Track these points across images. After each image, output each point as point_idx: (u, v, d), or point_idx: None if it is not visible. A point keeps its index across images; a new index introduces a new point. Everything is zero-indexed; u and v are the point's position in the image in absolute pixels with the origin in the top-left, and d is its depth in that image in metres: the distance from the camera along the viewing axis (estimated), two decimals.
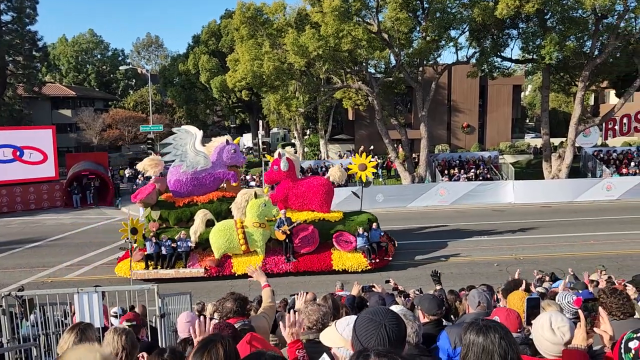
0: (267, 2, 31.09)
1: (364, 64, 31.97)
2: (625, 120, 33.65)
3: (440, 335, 3.74)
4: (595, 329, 3.34)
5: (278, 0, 30.96)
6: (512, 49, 38.45)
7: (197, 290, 14.96)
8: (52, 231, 25.59)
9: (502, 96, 44.38)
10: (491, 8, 27.86)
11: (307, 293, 10.60)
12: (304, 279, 16.79)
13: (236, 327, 3.94)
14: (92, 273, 18.48)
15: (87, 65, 65.07)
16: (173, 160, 18.86)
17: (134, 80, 69.70)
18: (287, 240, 17.43)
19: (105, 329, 5.38)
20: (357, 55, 30.01)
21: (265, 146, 31.57)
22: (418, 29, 30.12)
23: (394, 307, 4.55)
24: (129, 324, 5.51)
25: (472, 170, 33.59)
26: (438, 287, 8.80)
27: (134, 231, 16.78)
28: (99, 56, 67.58)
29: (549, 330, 2.75)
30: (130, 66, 66.87)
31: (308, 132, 50.48)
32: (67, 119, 51.64)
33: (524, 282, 4.89)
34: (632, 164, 33.23)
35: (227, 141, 18.94)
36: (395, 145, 32.98)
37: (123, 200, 32.52)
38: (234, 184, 19.05)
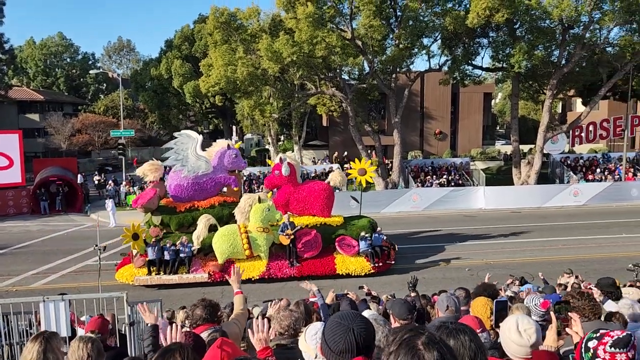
0: (241, 8, 31.15)
1: (337, 71, 32.13)
2: (591, 127, 34.61)
3: None
4: (567, 329, 3.42)
5: (252, 5, 30.93)
6: (482, 58, 39.63)
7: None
8: (18, 238, 24.88)
9: (473, 103, 45.18)
10: (462, 17, 28.40)
11: (281, 300, 10.58)
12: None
13: (206, 334, 3.90)
14: (60, 281, 18.01)
15: (56, 69, 63.74)
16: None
17: (104, 85, 68.57)
18: (290, 245, 17.45)
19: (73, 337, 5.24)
20: (331, 62, 30.15)
21: (239, 152, 31.39)
22: (391, 36, 30.45)
23: (365, 312, 4.56)
24: (93, 334, 5.37)
25: (444, 177, 34.05)
26: (413, 294, 8.86)
27: (135, 237, 16.80)
28: (68, 60, 66.31)
29: (516, 332, 2.80)
30: (101, 70, 65.73)
31: (282, 138, 50.44)
32: (34, 124, 50.44)
33: (494, 285, 4.98)
34: (598, 170, 34.19)
35: (228, 146, 18.92)
36: (368, 151, 33.19)
37: (93, 206, 31.87)
38: (235, 189, 19.08)
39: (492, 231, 23.83)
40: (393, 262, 18.56)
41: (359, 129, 32.63)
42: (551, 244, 21.47)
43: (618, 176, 33.29)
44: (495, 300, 3.90)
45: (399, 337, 2.00)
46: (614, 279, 8.14)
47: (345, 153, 39.46)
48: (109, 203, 28.03)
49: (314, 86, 33.61)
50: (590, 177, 33.48)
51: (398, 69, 32.15)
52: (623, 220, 25.47)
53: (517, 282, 11.12)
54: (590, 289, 8.47)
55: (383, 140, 35.02)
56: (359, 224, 18.89)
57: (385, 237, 18.91)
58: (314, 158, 44.79)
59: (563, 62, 30.70)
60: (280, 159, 19.14)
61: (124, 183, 34.23)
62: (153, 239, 17.25)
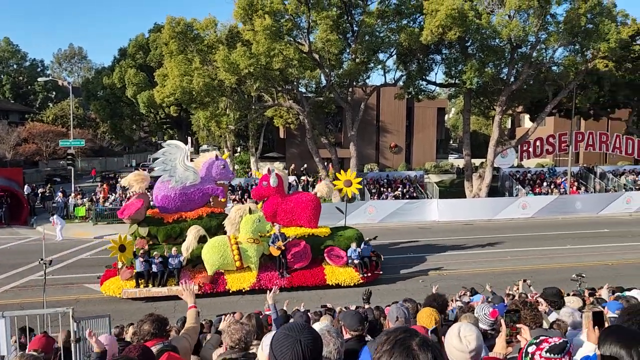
0: (197, 18, 30.76)
1: (295, 83, 32.27)
2: (538, 143, 36.01)
3: (362, 350, 3.78)
4: (518, 337, 3.54)
5: (209, 16, 30.70)
6: (436, 73, 40.36)
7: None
8: None
9: (427, 118, 46.26)
10: (417, 34, 29.15)
11: (234, 313, 10.44)
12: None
13: (155, 349, 3.80)
14: (1, 297, 17.15)
15: (2, 76, 61.21)
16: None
17: (54, 93, 66.31)
18: (280, 256, 17.43)
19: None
20: (289, 74, 30.27)
21: None
22: (348, 50, 30.90)
23: (319, 324, 4.56)
24: (36, 353, 5.14)
25: (399, 189, 34.59)
26: (366, 306, 8.95)
27: (122, 248, 16.46)
28: (15, 66, 63.82)
29: (457, 338, 2.87)
30: (50, 78, 63.55)
31: (239, 149, 50.06)
32: None
33: (444, 296, 5.09)
34: (545, 184, 35.58)
35: (216, 156, 18.75)
36: (325, 163, 33.39)
37: (39, 219, 30.60)
38: (222, 200, 18.94)
39: (446, 243, 24.35)
40: (381, 272, 18.81)
41: (315, 142, 32.81)
42: (501, 255, 22.11)
43: (563, 190, 34.75)
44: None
45: (393, 336, 2.02)
46: (559, 288, 8.46)
47: (305, 165, 39.51)
48: (56, 217, 27.04)
49: (271, 98, 33.61)
50: (537, 190, 34.79)
51: (354, 83, 32.60)
52: (568, 232, 26.55)
53: (468, 293, 11.38)
54: (537, 299, 8.78)
55: (339, 152, 35.35)
56: (346, 234, 19.11)
57: (373, 249, 19.06)
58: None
59: (512, 79, 31.92)
60: (269, 169, 19.14)
61: (72, 195, 33.06)
62: (141, 251, 16.87)
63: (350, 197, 21.88)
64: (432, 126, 46.71)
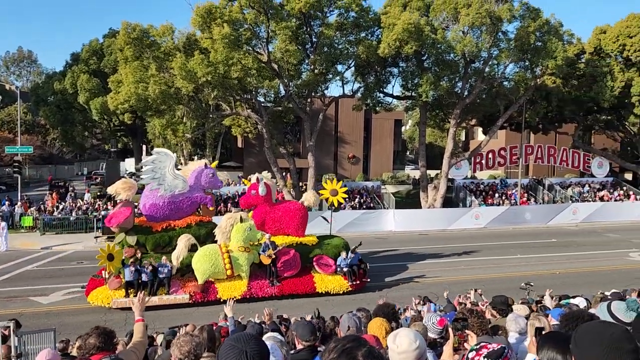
0: (154, 25, 30.25)
1: (253, 93, 32.14)
2: (490, 155, 37.10)
3: None
4: (465, 344, 3.62)
5: (166, 23, 30.25)
6: (393, 86, 41.33)
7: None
8: None
9: (384, 129, 46.99)
10: (374, 46, 29.67)
11: (186, 325, 10.22)
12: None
13: None
14: None
15: None
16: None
17: (0, 97, 63.59)
18: (271, 264, 17.48)
19: None
20: (247, 84, 30.13)
21: None
22: (307, 61, 31.06)
23: (270, 334, 4.52)
24: None
25: (357, 199, 34.87)
26: (315, 320, 8.94)
27: (110, 257, 16.22)
28: None
29: (392, 339, 2.91)
30: None
31: (195, 158, 49.34)
32: None
33: (393, 306, 5.16)
34: (497, 195, 36.67)
35: (205, 165, 18.62)
36: (283, 173, 33.32)
37: None
38: (210, 208, 18.86)
39: (402, 252, 24.68)
40: (369, 279, 19.12)
41: (274, 151, 32.72)
42: (454, 264, 22.58)
43: (514, 201, 35.89)
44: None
45: (340, 345, 2.03)
46: (507, 297, 8.72)
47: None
48: (2, 224, 25.87)
49: (229, 107, 33.34)
50: (489, 201, 35.81)
51: (313, 94, 32.78)
52: (518, 242, 27.42)
53: (421, 302, 11.56)
54: (487, 307, 9.01)
55: (298, 162, 35.36)
56: (332, 243, 19.37)
57: (360, 257, 19.25)
58: (228, 180, 44.16)
59: (466, 93, 32.89)
60: (257, 178, 19.18)
61: (19, 204, 31.72)
62: (130, 260, 16.56)
63: (336, 206, 22.20)
64: (390, 138, 47.47)
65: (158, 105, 29.46)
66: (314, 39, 30.80)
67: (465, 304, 9.95)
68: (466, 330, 4.05)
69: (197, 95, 31.07)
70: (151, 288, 16.46)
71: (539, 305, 9.34)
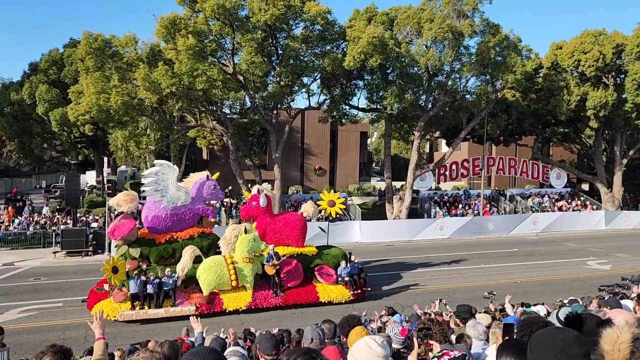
0: (116, 35, 29.78)
1: (219, 104, 31.93)
2: (454, 167, 37.84)
3: None
4: (430, 353, 3.65)
5: (129, 33, 29.81)
6: (359, 98, 41.98)
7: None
8: None
9: (350, 141, 47.33)
10: (340, 59, 29.98)
11: (149, 341, 9.95)
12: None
13: None
14: None
15: None
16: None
17: None
18: (275, 275, 17.56)
19: None
20: (212, 95, 29.91)
21: (110, 184, 29.58)
22: (272, 73, 31.09)
23: (233, 348, 4.43)
24: None
25: (323, 211, 34.83)
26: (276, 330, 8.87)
27: (114, 270, 16.14)
28: None
29: (365, 347, 2.92)
30: None
31: None
32: None
33: (358, 317, 5.14)
34: (460, 205, 37.33)
35: (207, 177, 18.76)
36: (249, 185, 33.06)
37: None
38: (212, 220, 19.26)
39: (367, 264, 24.73)
40: (369, 288, 19.38)
41: (239, 163, 32.50)
42: (419, 275, 22.79)
43: (477, 211, 36.61)
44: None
45: (292, 357, 2.06)
46: (470, 306, 8.86)
47: (230, 187, 38.88)
48: None
49: (194, 119, 32.99)
50: (453, 212, 36.42)
51: (279, 105, 32.78)
52: (481, 251, 27.91)
53: (386, 313, 11.60)
54: (451, 316, 9.11)
55: (264, 174, 35.18)
56: (332, 253, 19.62)
57: (360, 266, 19.41)
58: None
59: (429, 106, 33.51)
60: (258, 190, 19.37)
61: None
62: (135, 272, 16.39)
63: (334, 216, 22.54)
64: (355, 149, 47.82)
65: (120, 117, 28.87)
66: (280, 51, 30.89)
67: (430, 314, 10.02)
68: (430, 340, 4.07)
69: (161, 106, 30.64)
70: (157, 300, 16.41)
71: (502, 313, 9.50)
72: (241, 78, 29.56)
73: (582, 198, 40.92)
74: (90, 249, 27.24)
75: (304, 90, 32.62)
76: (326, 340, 4.37)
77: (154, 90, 26.92)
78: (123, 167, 54.06)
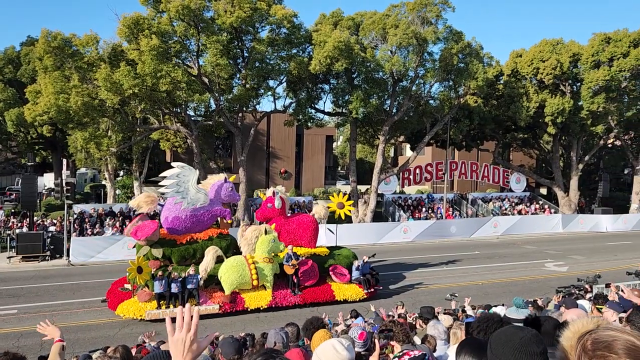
0: (77, 34, 29.03)
1: (183, 106, 31.50)
2: (418, 171, 38.35)
3: None
4: (390, 354, 3.67)
5: (90, 32, 29.12)
6: (324, 102, 41.85)
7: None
8: None
9: (316, 145, 47.44)
10: (306, 63, 30.04)
11: (107, 348, 9.70)
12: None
13: None
14: None
15: None
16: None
17: None
18: (293, 275, 18.05)
19: None
20: (176, 97, 29.50)
21: (69, 187, 28.75)
22: (238, 76, 30.90)
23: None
24: None
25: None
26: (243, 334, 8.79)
27: (139, 270, 16.44)
28: None
29: (332, 349, 2.92)
30: None
31: (121, 173, 47.45)
32: None
33: (322, 319, 5.15)
34: (424, 209, 37.87)
35: (225, 179, 19.23)
36: None
37: None
38: (228, 221, 19.62)
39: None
40: (380, 287, 20.01)
41: (204, 166, 32.11)
42: (384, 278, 22.95)
43: (440, 215, 37.22)
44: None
45: (252, 359, 2.05)
46: (433, 307, 8.98)
47: None
48: None
49: (157, 120, 32.44)
50: (417, 215, 36.91)
51: (244, 108, 32.58)
52: (444, 254, 28.35)
53: (349, 316, 11.65)
54: (415, 318, 9.22)
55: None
56: (343, 253, 20.21)
57: (371, 266, 20.08)
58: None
59: (394, 111, 33.92)
60: (273, 192, 20.00)
61: None
62: (160, 272, 16.70)
63: (343, 218, 23.10)
64: (321, 153, 47.95)
65: (80, 118, 28.14)
66: (246, 54, 30.73)
67: (393, 316, 10.12)
68: (391, 341, 4.10)
69: (123, 107, 30.02)
70: (182, 299, 16.71)
71: (464, 314, 9.67)
72: (206, 80, 29.26)
73: (540, 202, 42.14)
74: (48, 253, 26.36)
75: (269, 93, 32.53)
76: (290, 344, 4.35)
77: (115, 91, 26.36)
78: (83, 170, 52.57)
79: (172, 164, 19.31)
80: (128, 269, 16.68)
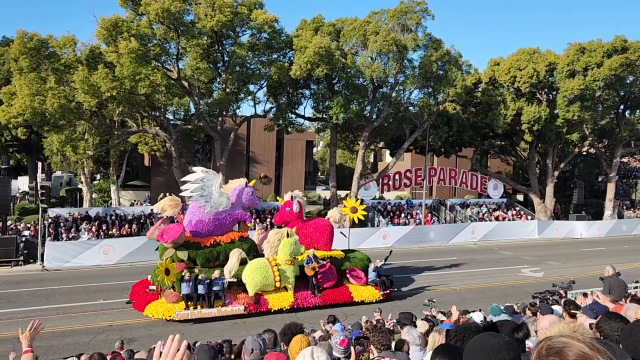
0: (54, 35, 28.56)
1: (162, 110, 31.21)
2: (397, 176, 38.61)
3: None
4: None
5: (67, 34, 28.67)
6: (305, 107, 41.99)
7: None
8: None
9: (296, 150, 47.43)
10: (287, 68, 30.08)
11: (80, 355, 9.53)
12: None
13: None
14: None
15: None
16: None
17: None
18: (313, 277, 18.54)
19: None
20: (155, 100, 29.21)
21: (44, 191, 28.18)
22: (218, 80, 30.77)
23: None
24: None
25: (268, 219, 34.68)
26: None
27: (167, 272, 16.83)
28: None
29: (310, 357, 2.92)
30: None
31: (98, 176, 46.76)
32: None
33: (301, 325, 5.14)
34: (402, 215, 38.10)
35: (245, 183, 19.72)
36: None
37: None
38: (249, 225, 20.49)
39: None
40: (395, 289, 20.44)
41: (183, 171, 31.76)
42: None
43: (419, 220, 37.49)
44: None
45: None
46: (411, 313, 9.04)
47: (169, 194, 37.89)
48: None
49: (135, 124, 32.06)
50: (396, 221, 37.11)
51: (224, 113, 32.43)
52: (423, 260, 28.51)
53: (327, 322, 11.65)
54: (393, 324, 9.26)
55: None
56: (358, 256, 20.76)
57: (384, 268, 20.53)
58: (134, 200, 42.24)
59: (374, 117, 34.13)
60: (292, 196, 20.58)
61: None
62: (187, 274, 17.10)
63: (356, 222, 23.70)
64: (301, 158, 47.94)
65: (56, 120, 27.65)
66: (226, 58, 30.63)
67: (372, 322, 10.15)
68: (368, 347, 4.12)
69: (100, 110, 29.61)
70: (208, 300, 17.14)
71: (439, 320, 9.73)
72: (186, 84, 29.06)
73: (517, 208, 42.77)
74: (21, 258, 25.79)
75: (250, 97, 32.46)
76: (267, 350, 4.33)
77: (93, 93, 26.00)
78: (59, 173, 51.73)
79: (194, 168, 19.83)
80: (156, 271, 17.13)
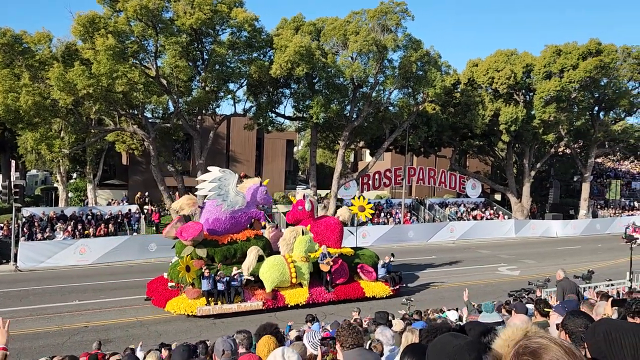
0: (28, 31, 28.00)
1: (140, 108, 30.80)
2: (377, 176, 38.81)
3: None
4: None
5: (42, 30, 28.14)
6: (285, 107, 41.91)
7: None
8: None
9: (277, 149, 47.27)
10: (267, 67, 29.96)
11: (54, 357, 9.36)
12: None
13: None
14: None
15: None
16: None
17: None
18: (326, 273, 19.06)
19: None
20: (133, 98, 28.82)
21: (18, 189, 27.64)
22: (198, 78, 30.48)
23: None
24: None
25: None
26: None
27: (187, 269, 17.28)
28: None
29: (281, 357, 2.93)
30: None
31: (74, 175, 45.97)
32: None
33: (276, 325, 5.13)
34: (382, 214, 38.29)
35: (260, 183, 20.17)
36: (171, 192, 32.10)
37: None
38: (262, 223, 21.00)
39: None
40: (404, 285, 21.29)
41: (161, 169, 31.47)
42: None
43: (398, 220, 37.72)
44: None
45: None
46: (387, 312, 9.09)
47: (147, 194, 37.49)
48: None
49: (112, 122, 31.61)
50: (375, 220, 37.27)
51: (204, 111, 32.16)
52: (402, 259, 28.60)
53: (305, 321, 11.65)
54: (369, 323, 9.30)
55: (187, 181, 34.25)
56: (366, 254, 21.44)
57: (392, 265, 21.32)
58: (111, 199, 41.61)
59: (354, 116, 34.22)
60: (304, 195, 21.48)
61: None
62: (207, 271, 17.44)
63: (364, 220, 24.46)
64: (282, 157, 47.80)
65: (31, 118, 27.08)
66: (206, 56, 30.39)
67: (349, 321, 10.18)
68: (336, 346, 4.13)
69: (76, 108, 29.10)
70: (228, 296, 17.63)
71: (413, 319, 9.80)
72: (164, 82, 28.74)
73: (494, 207, 43.34)
74: None
75: (229, 96, 32.23)
76: (239, 351, 4.30)
77: (69, 90, 25.55)
78: (33, 172, 50.72)
79: (210, 168, 20.12)
80: (178, 268, 17.61)
